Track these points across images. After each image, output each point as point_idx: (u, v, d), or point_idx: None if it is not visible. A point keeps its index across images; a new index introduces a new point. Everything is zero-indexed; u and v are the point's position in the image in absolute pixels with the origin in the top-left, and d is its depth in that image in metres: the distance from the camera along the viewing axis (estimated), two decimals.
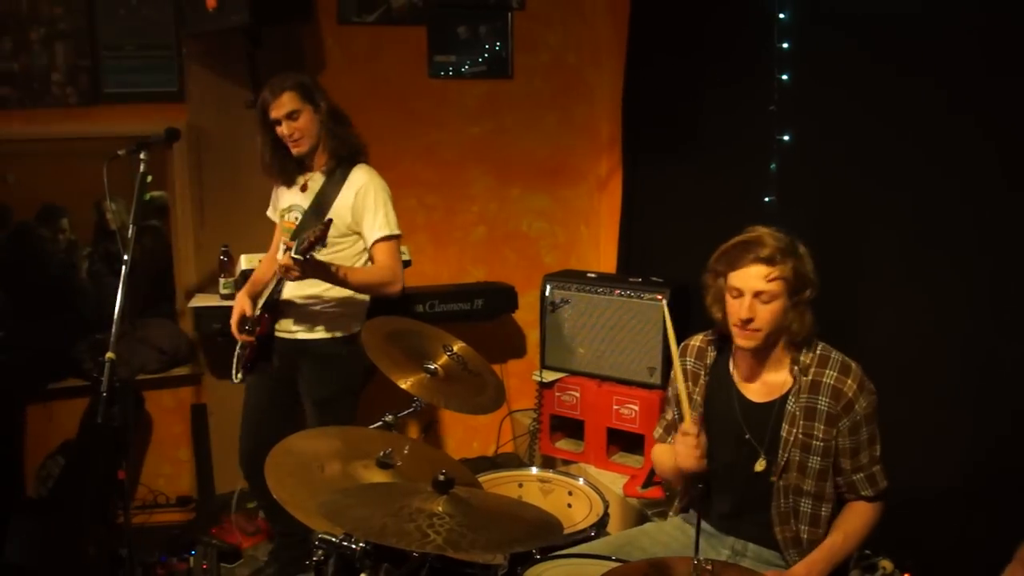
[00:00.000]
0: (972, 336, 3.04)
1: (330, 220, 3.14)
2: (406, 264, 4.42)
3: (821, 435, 2.46)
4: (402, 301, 4.43)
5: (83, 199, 4.65)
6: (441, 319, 4.43)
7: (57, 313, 4.69)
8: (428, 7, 4.81)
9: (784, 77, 3.65)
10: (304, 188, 3.55)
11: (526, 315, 5.01)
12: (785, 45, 3.65)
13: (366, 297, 3.60)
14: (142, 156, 3.10)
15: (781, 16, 3.65)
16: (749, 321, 2.45)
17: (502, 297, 4.89)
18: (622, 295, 4.25)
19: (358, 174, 3.50)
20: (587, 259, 5.28)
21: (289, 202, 3.60)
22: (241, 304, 3.63)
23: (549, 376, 4.49)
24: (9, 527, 3.78)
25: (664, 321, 2.63)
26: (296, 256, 3.11)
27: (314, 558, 2.34)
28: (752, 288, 2.44)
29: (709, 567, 2.10)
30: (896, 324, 3.30)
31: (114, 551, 3.58)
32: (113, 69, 4.35)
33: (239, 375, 3.69)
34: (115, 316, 2.88)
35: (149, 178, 3.12)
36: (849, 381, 2.46)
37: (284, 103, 3.40)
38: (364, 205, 3.46)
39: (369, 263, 3.53)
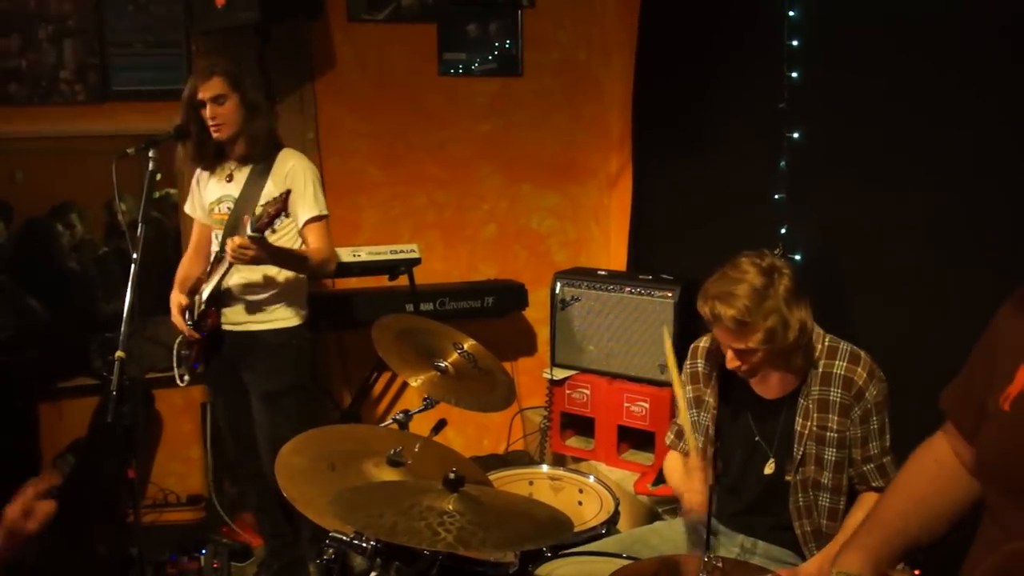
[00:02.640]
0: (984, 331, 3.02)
1: (288, 191, 3.14)
2: (415, 262, 4.44)
3: (836, 426, 2.45)
4: (411, 298, 4.46)
5: (92, 197, 4.64)
6: (451, 317, 4.42)
7: (68, 311, 4.69)
8: (438, 5, 4.79)
9: (794, 75, 3.65)
10: (230, 178, 3.54)
11: (536, 312, 5.00)
12: (795, 43, 3.64)
13: (305, 283, 3.61)
14: (151, 154, 3.11)
15: (791, 14, 3.64)
16: (740, 367, 2.45)
17: (512, 295, 4.88)
18: (632, 292, 4.24)
19: (286, 157, 3.51)
20: (597, 256, 5.26)
21: (218, 194, 3.57)
22: (177, 300, 3.60)
23: (559, 373, 4.48)
24: None
25: (664, 344, 2.64)
26: (253, 234, 3.08)
27: (324, 557, 2.33)
28: (731, 346, 2.43)
29: (719, 564, 2.09)
30: (907, 321, 3.28)
31: (124, 550, 3.57)
32: (122, 67, 4.34)
33: (185, 377, 3.62)
34: (124, 314, 2.88)
35: (158, 176, 3.13)
36: (859, 370, 2.45)
37: (212, 86, 3.38)
38: (295, 188, 3.41)
39: (303, 246, 3.51)
